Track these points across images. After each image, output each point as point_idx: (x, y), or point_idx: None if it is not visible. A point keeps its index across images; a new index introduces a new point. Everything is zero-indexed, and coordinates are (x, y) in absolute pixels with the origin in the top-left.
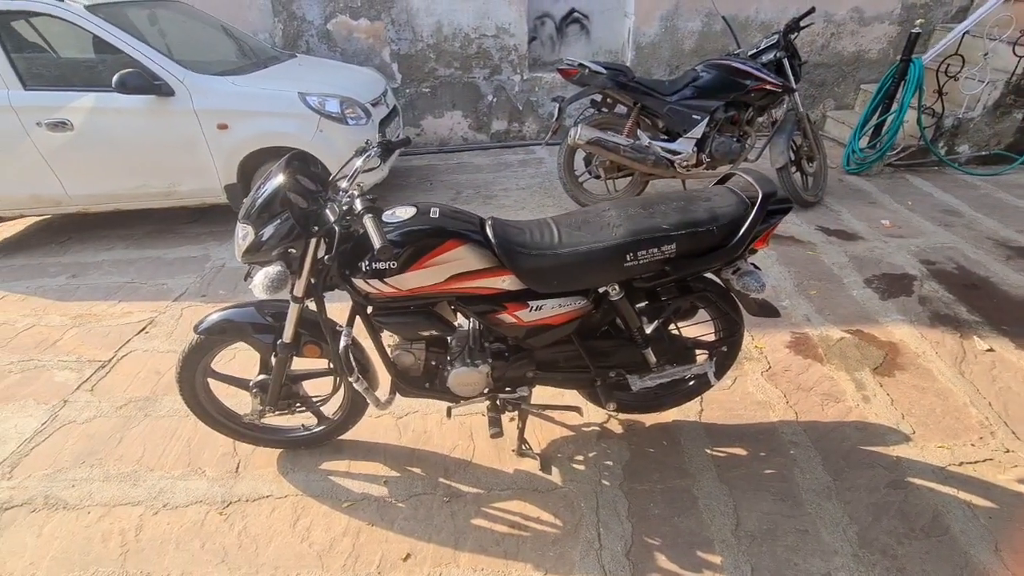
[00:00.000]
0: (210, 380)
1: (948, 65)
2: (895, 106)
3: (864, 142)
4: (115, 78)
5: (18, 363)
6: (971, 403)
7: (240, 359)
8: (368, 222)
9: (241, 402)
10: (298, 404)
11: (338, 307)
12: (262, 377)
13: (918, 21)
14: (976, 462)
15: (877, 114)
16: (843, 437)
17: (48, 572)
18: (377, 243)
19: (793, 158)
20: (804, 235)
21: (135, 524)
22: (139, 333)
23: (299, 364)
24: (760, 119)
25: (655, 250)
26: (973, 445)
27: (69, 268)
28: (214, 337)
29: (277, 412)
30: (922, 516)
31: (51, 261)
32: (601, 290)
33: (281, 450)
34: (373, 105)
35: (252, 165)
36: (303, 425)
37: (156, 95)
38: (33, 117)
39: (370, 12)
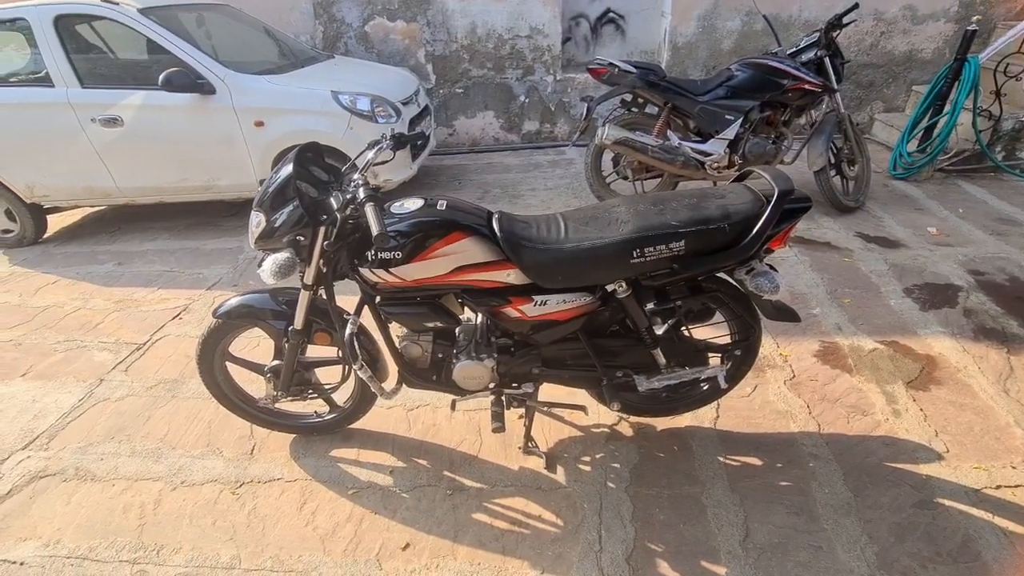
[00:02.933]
0: (228, 364)
1: (1008, 64)
2: (948, 108)
3: (913, 146)
4: (161, 77)
5: (63, 343)
6: (1015, 423)
7: (264, 346)
8: (368, 210)
9: (259, 387)
10: (310, 391)
11: (351, 297)
12: (276, 363)
13: (975, 18)
14: (1016, 486)
15: (928, 116)
16: (868, 452)
17: (73, 538)
18: (376, 230)
19: (833, 161)
20: (841, 241)
21: (154, 498)
22: (173, 319)
23: (313, 352)
24: (799, 120)
25: (663, 247)
26: (1014, 467)
27: (116, 256)
28: (231, 321)
29: (290, 397)
30: (950, 540)
31: (101, 249)
32: (608, 288)
33: (294, 435)
34: (404, 104)
35: None
36: (316, 412)
37: (199, 93)
38: (88, 113)
39: (406, 14)
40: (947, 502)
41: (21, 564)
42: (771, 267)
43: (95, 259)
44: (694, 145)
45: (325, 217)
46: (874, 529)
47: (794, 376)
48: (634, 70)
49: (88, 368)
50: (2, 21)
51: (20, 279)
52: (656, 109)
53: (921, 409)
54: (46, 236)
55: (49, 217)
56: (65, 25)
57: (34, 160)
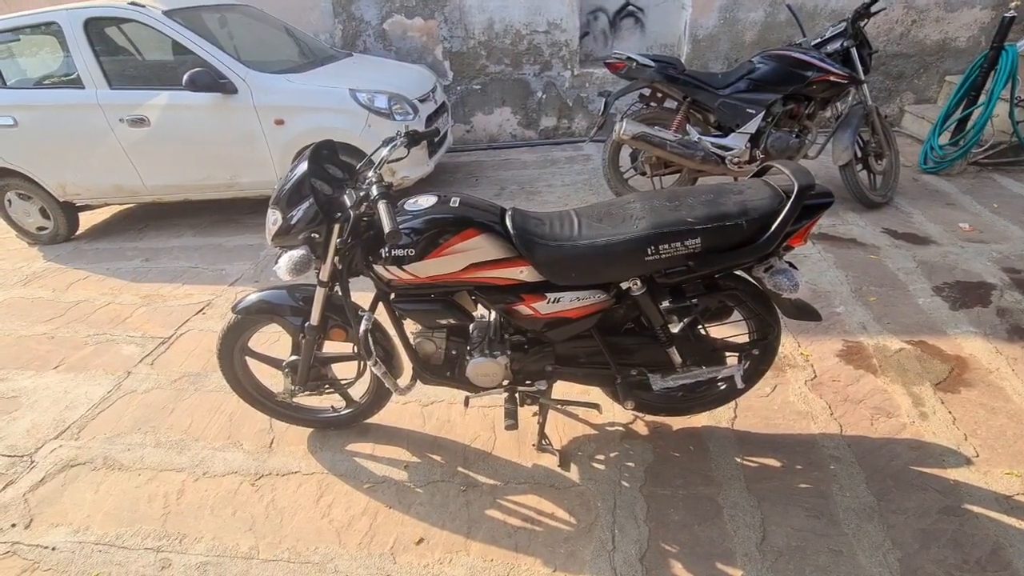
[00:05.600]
0: (248, 359)
1: None
2: (983, 98)
3: (945, 138)
4: (185, 77)
5: (93, 336)
6: None
7: (282, 342)
8: (381, 207)
9: (278, 382)
10: (327, 386)
11: (367, 294)
12: (294, 358)
13: (1013, 3)
14: None
15: (962, 108)
16: (893, 455)
17: (101, 525)
18: (388, 227)
19: (859, 155)
20: (867, 238)
21: (177, 488)
22: (197, 314)
23: (329, 348)
24: (824, 113)
25: (678, 244)
26: None
27: (144, 253)
28: (250, 316)
29: (307, 392)
30: (979, 547)
31: (129, 246)
32: (623, 285)
33: (312, 429)
34: (421, 101)
35: None
36: (332, 407)
37: (221, 93)
38: (117, 114)
39: (424, 11)
40: (976, 508)
41: (53, 549)
42: (791, 264)
43: (124, 255)
44: (714, 140)
45: (339, 214)
46: (898, 535)
47: (816, 376)
48: (653, 64)
49: (116, 361)
50: (36, 25)
51: (53, 275)
52: (675, 104)
53: (950, 412)
54: (78, 233)
55: (80, 215)
56: (95, 28)
57: (66, 160)
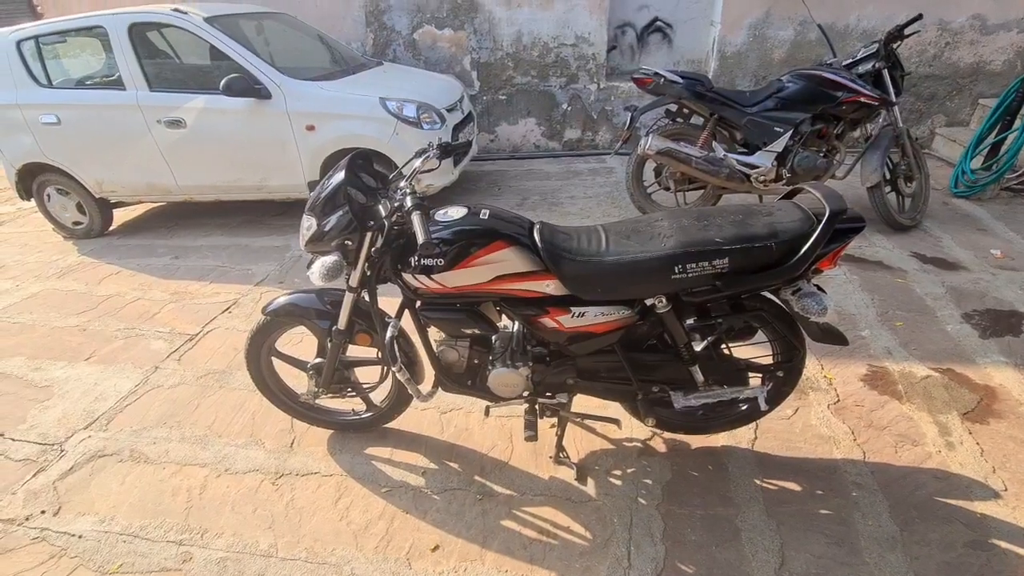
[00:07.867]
0: (274, 359)
1: None
2: (1018, 123)
3: (977, 162)
4: (222, 82)
5: (123, 330)
6: None
7: (307, 343)
8: (415, 218)
9: (301, 383)
10: (349, 389)
11: (393, 300)
12: (318, 360)
13: None
14: None
15: (995, 132)
16: (917, 485)
17: (126, 516)
18: (421, 238)
19: (888, 177)
20: (895, 261)
21: (200, 483)
22: (224, 312)
23: (353, 352)
24: (853, 134)
25: (706, 264)
26: None
27: (174, 250)
28: (279, 319)
29: (329, 395)
30: None
31: (160, 243)
32: (648, 302)
33: (332, 431)
34: (449, 111)
35: (334, 164)
36: (353, 410)
37: (256, 98)
38: (155, 115)
39: (454, 22)
40: (1003, 544)
41: (80, 537)
42: (819, 288)
43: (154, 252)
44: (740, 157)
45: (372, 223)
46: (921, 567)
47: (839, 400)
48: (680, 80)
49: (145, 355)
50: (82, 28)
51: (87, 269)
52: (702, 120)
53: (977, 443)
54: (111, 229)
55: (114, 211)
56: (138, 32)
57: (104, 158)
